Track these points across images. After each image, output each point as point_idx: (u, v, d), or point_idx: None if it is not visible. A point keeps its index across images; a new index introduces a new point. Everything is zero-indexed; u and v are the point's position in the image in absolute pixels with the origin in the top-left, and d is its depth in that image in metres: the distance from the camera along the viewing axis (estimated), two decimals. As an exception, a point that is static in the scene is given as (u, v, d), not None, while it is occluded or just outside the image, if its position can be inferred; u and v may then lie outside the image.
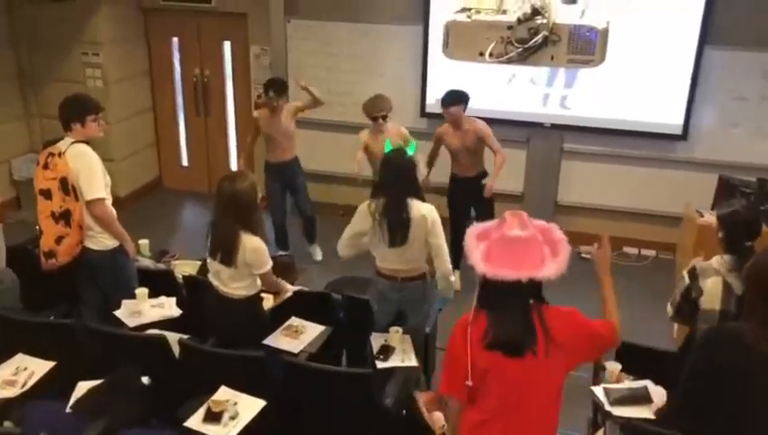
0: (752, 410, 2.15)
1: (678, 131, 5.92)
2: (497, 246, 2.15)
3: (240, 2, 6.72)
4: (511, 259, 2.12)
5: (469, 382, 2.17)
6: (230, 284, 3.41)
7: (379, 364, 3.37)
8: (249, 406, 2.94)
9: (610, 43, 5.89)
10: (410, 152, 3.71)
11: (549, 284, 2.18)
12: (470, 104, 5.27)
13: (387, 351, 3.47)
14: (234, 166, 7.50)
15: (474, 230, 2.25)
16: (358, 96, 6.17)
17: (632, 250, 6.28)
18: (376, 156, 5.19)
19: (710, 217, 4.94)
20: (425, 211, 3.53)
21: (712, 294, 2.90)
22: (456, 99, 5.13)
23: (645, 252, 6.27)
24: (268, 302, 3.64)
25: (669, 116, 5.90)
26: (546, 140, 6.26)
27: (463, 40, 2.18)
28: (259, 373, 3.11)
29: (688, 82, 5.75)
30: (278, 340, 3.52)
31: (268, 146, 5.63)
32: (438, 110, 6.12)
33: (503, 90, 6.11)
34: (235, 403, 2.93)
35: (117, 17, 6.78)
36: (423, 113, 6.38)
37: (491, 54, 2.12)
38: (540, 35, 2.08)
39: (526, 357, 2.13)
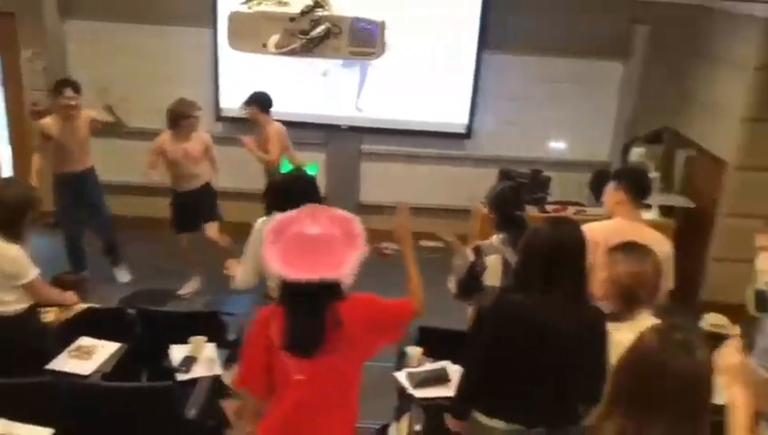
0: (541, 378, 2.35)
1: (464, 130, 6.36)
2: (294, 245, 2.12)
3: (5, 0, 6.08)
4: (307, 259, 2.09)
5: (300, 376, 2.14)
6: None
7: (180, 376, 3.22)
8: (32, 437, 2.65)
9: (400, 46, 6.20)
10: (312, 172, 3.46)
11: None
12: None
13: (189, 362, 3.32)
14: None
15: (272, 226, 2.19)
16: (147, 101, 5.87)
17: (429, 243, 6.61)
18: (179, 161, 5.01)
19: (493, 207, 5.37)
20: None
21: (493, 270, 3.14)
22: (249, 100, 5.08)
23: (438, 244, 6.62)
24: (49, 315, 3.33)
25: (456, 116, 6.31)
26: (344, 142, 6.40)
27: (245, 31, 2.14)
28: (44, 400, 2.82)
29: (471, 84, 6.20)
30: (65, 362, 3.22)
31: (58, 156, 5.08)
32: (234, 114, 6.07)
33: (300, 92, 6.13)
34: (15, 437, 2.63)
35: None
36: (218, 117, 6.22)
37: (275, 46, 2.10)
38: (322, 27, 2.10)
39: (320, 357, 2.13)
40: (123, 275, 5.58)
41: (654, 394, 1.64)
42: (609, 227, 3.07)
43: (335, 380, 2.21)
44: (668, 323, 1.79)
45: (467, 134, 6.36)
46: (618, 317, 2.43)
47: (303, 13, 2.03)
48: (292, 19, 2.00)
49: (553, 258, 2.35)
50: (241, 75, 6.00)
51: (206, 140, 5.11)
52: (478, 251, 3.24)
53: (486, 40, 6.09)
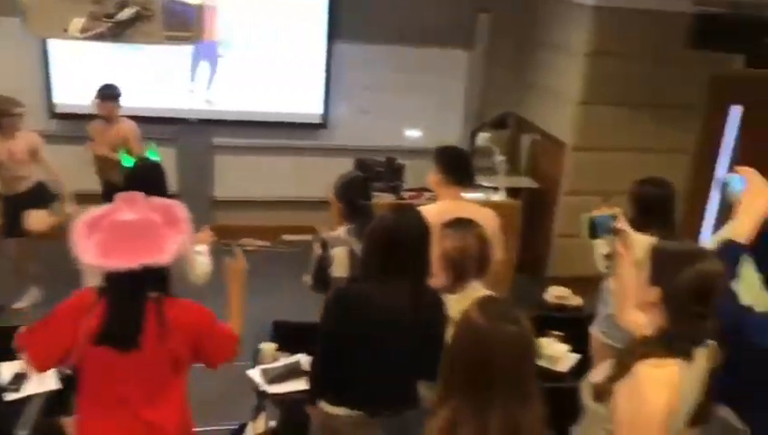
0: (383, 365, 2.35)
1: (319, 120, 6.31)
2: (110, 234, 2.01)
3: None
4: (125, 247, 1.99)
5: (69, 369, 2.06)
6: None
7: (9, 396, 2.95)
8: None
9: (251, 37, 6.04)
10: (154, 157, 3.17)
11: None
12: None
13: (20, 379, 3.05)
14: None
15: (85, 218, 2.07)
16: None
17: (291, 237, 6.54)
18: (3, 163, 4.59)
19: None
20: None
21: (340, 262, 3.12)
22: (107, 95, 4.91)
23: (302, 237, 6.56)
24: None
25: (310, 106, 6.25)
26: (195, 136, 6.16)
27: (43, 14, 1.97)
28: None
29: (323, 73, 6.16)
30: None
31: None
32: (72, 109, 5.68)
33: (144, 85, 5.83)
34: None
35: None
36: (53, 114, 5.78)
37: (80, 30, 1.95)
38: (130, 10, 1.98)
39: (133, 351, 2.04)
40: None
41: (485, 367, 1.67)
42: (437, 209, 3.13)
43: (150, 375, 2.12)
44: (487, 297, 1.83)
45: (323, 124, 6.32)
46: (450, 290, 2.51)
47: (111, -5, 1.91)
48: (97, 2, 1.87)
49: (395, 245, 2.36)
50: (77, 69, 5.64)
51: (32, 141, 4.72)
52: (324, 244, 3.21)
53: (337, 29, 6.06)
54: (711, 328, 2.01)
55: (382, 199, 5.37)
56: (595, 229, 2.60)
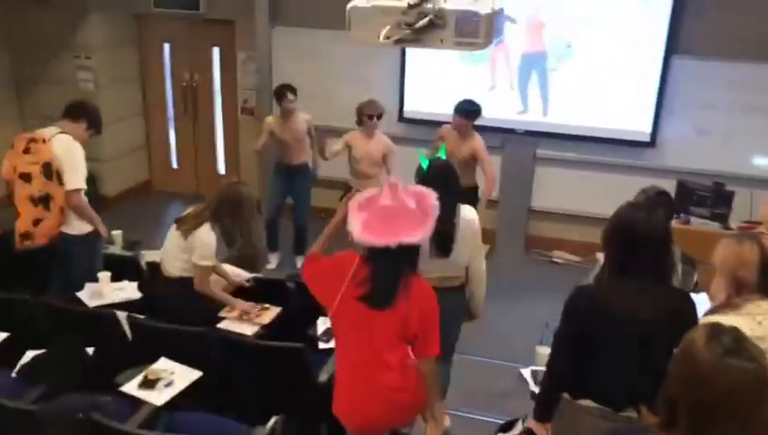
0: (614, 362, 2.34)
1: (647, 139, 6.04)
2: (374, 215, 2.41)
3: (228, 9, 6.95)
4: (383, 227, 2.38)
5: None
6: (169, 257, 3.68)
7: (322, 344, 3.54)
8: (185, 376, 3.10)
9: (583, 51, 6.07)
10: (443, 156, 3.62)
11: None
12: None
13: (329, 333, 3.62)
14: (221, 169, 7.76)
15: (357, 200, 2.48)
16: (339, 101, 6.38)
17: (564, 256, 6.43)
18: (360, 157, 5.35)
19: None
20: (470, 215, 3.35)
21: None
22: (461, 110, 5.24)
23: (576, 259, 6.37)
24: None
25: (639, 123, 6.03)
26: (520, 146, 6.40)
27: (363, 24, 2.36)
28: (199, 348, 3.27)
29: (656, 90, 5.88)
30: (232, 324, 3.66)
31: (279, 149, 5.79)
32: (415, 115, 6.42)
33: (479, 95, 6.26)
34: (172, 373, 3.10)
35: (109, 22, 7.03)
36: (401, 118, 6.57)
37: (387, 37, 2.30)
38: (425, 18, 2.26)
39: (383, 312, 2.44)
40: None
41: (712, 409, 1.51)
42: None
43: (390, 332, 2.47)
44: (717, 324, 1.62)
45: (651, 143, 6.03)
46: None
47: (411, 6, 2.18)
48: (404, 13, 2.16)
49: (636, 243, 2.39)
50: (426, 79, 6.42)
51: (387, 144, 5.41)
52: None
53: (676, 44, 5.75)
54: None
55: (704, 227, 4.97)
56: None
